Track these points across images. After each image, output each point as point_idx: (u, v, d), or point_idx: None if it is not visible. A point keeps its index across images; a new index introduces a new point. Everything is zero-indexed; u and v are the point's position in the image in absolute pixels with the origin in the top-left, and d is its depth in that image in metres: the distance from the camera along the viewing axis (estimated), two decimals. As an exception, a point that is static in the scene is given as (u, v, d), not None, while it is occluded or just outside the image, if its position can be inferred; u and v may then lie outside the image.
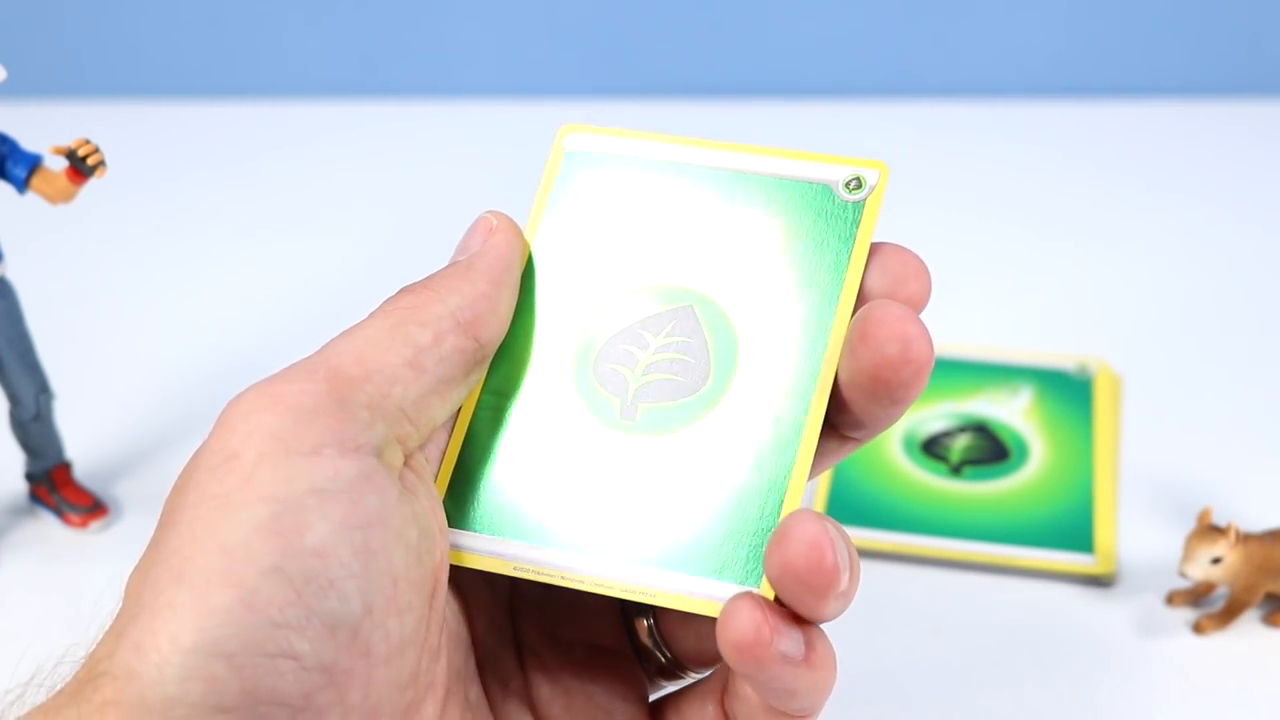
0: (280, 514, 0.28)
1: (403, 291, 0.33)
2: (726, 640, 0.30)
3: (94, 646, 0.28)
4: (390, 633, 0.29)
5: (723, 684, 0.34)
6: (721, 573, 0.32)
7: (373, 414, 0.30)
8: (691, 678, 0.37)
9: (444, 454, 0.34)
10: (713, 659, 0.36)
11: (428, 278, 0.34)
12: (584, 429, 0.34)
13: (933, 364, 0.31)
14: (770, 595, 0.31)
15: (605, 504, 0.33)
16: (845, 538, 0.30)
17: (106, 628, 0.29)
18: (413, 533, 0.31)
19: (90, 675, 0.27)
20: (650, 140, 0.37)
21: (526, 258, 0.36)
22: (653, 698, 0.37)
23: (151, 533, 0.30)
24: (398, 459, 0.31)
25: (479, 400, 0.35)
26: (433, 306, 0.32)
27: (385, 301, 0.33)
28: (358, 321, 0.32)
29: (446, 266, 0.34)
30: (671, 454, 0.34)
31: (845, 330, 0.33)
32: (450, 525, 0.33)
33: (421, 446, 0.33)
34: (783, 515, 0.32)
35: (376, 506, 0.29)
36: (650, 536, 0.33)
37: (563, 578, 0.33)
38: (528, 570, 0.33)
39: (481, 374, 0.34)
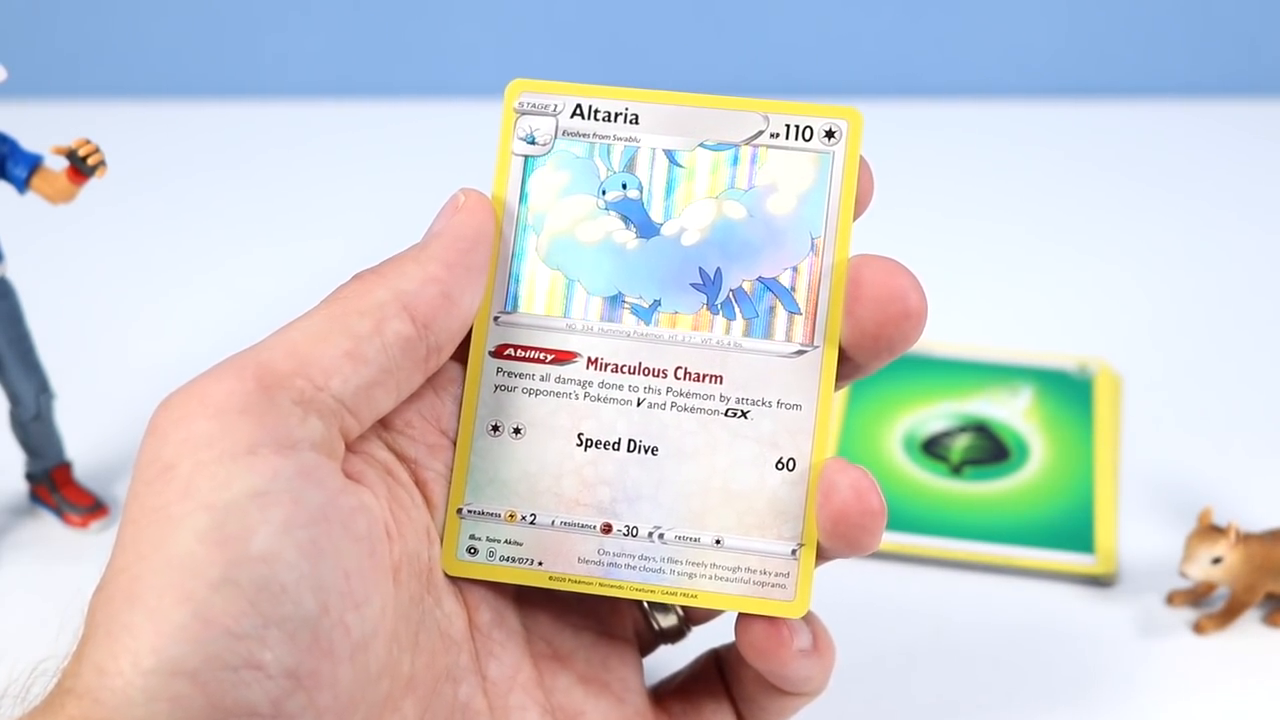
0: (222, 522, 0.27)
1: (353, 278, 0.32)
2: (748, 648, 0.33)
3: (64, 661, 0.28)
4: (350, 628, 0.29)
5: (717, 665, 0.37)
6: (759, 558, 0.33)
7: (305, 409, 0.29)
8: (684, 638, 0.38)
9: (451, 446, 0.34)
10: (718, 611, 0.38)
11: (382, 262, 0.33)
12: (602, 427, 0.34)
13: (928, 309, 0.33)
14: (801, 611, 0.33)
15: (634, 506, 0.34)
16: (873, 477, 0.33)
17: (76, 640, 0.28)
18: (361, 523, 0.30)
19: (58, 692, 0.27)
20: (606, 96, 0.35)
21: (497, 233, 0.34)
22: (650, 683, 0.38)
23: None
24: (339, 451, 0.31)
25: (478, 398, 0.34)
26: (375, 292, 0.31)
27: (334, 289, 0.32)
28: (298, 321, 0.31)
29: (404, 249, 0.33)
30: (689, 446, 0.34)
31: (844, 280, 0.33)
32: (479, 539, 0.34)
33: (378, 433, 0.33)
34: (811, 479, 0.33)
35: (319, 502, 0.29)
36: (676, 530, 0.33)
37: (600, 585, 0.33)
38: (565, 580, 0.33)
39: (440, 360, 0.33)
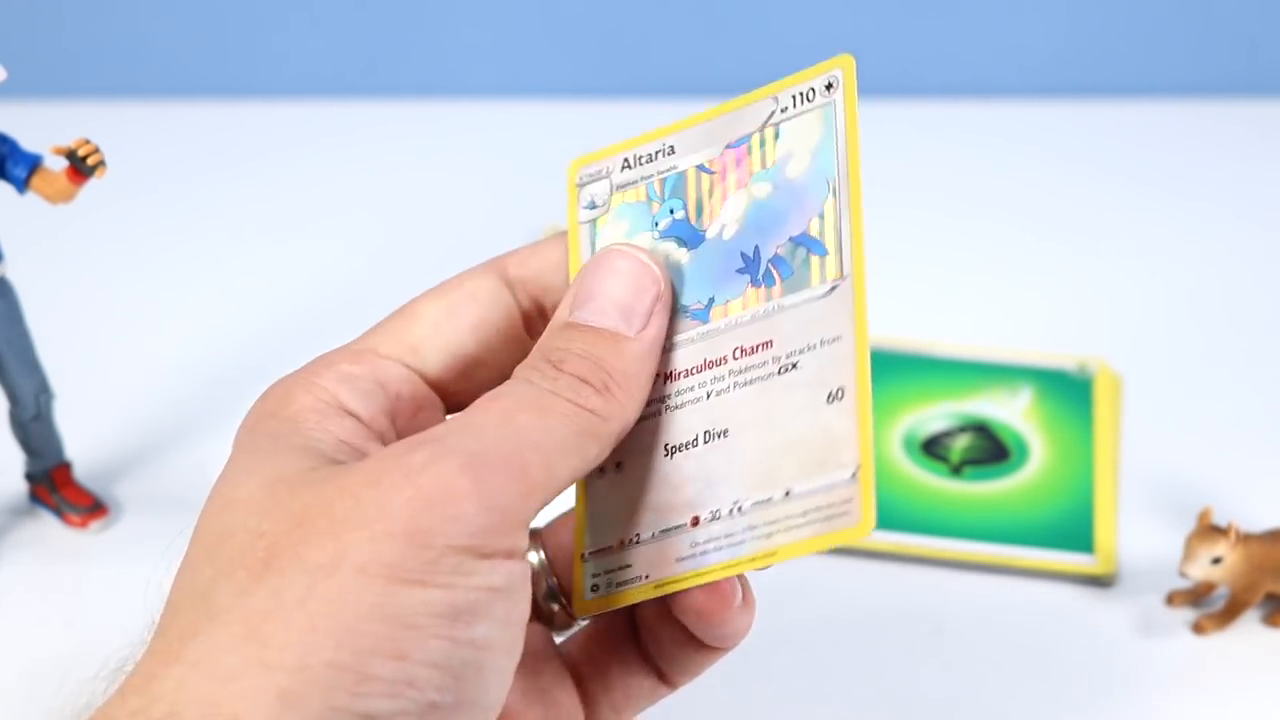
0: (455, 603, 0.29)
1: (589, 384, 0.33)
2: (689, 614, 0.34)
3: (147, 664, 0.28)
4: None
5: (631, 629, 0.37)
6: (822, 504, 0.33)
7: (530, 519, 0.31)
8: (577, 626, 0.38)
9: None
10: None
11: (609, 371, 0.33)
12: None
13: None
14: (868, 531, 0.32)
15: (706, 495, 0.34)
16: None
17: (155, 645, 0.29)
18: (533, 634, 0.33)
19: (158, 711, 0.28)
20: (646, 142, 0.37)
21: None
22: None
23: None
24: None
25: None
26: (612, 426, 0.33)
27: (574, 391, 0.33)
28: (540, 408, 0.32)
29: (625, 354, 0.34)
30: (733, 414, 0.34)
31: (860, 209, 0.34)
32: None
33: None
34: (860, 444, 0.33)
35: (524, 609, 0.31)
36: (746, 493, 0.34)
37: (694, 576, 0.34)
38: (666, 584, 0.34)
39: None
